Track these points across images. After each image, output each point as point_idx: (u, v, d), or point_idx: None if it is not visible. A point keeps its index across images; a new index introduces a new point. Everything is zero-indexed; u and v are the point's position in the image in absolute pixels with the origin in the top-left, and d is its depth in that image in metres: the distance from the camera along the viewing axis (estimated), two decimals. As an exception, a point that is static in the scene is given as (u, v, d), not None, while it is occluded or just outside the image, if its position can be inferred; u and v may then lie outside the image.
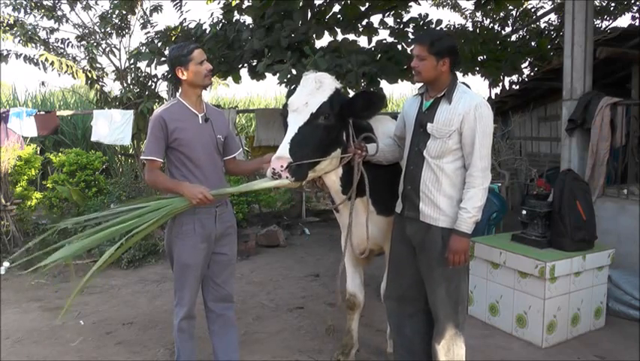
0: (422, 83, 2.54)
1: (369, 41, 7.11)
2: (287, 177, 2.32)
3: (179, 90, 2.74)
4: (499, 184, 5.46)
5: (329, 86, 2.53)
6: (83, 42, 7.68)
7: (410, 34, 6.97)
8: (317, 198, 3.05)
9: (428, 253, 2.48)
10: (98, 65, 7.70)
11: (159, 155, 2.62)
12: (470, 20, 10.70)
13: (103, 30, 7.66)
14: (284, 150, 2.36)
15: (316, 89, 2.50)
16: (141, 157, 2.75)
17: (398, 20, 7.22)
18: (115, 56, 7.80)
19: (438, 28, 7.01)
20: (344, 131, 2.61)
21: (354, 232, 2.82)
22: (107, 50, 7.76)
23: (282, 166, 2.31)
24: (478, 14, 10.42)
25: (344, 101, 2.55)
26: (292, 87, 2.74)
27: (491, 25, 10.01)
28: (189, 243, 2.64)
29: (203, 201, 2.51)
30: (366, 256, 2.99)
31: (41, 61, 7.01)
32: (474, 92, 2.46)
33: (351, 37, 7.05)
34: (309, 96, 2.47)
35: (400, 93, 16.44)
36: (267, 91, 15.85)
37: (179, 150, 2.63)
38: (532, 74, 8.50)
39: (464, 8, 11.11)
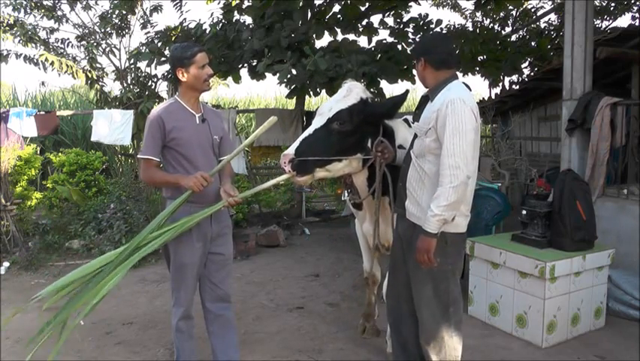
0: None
1: (369, 41, 7.12)
2: (289, 171, 2.55)
3: (178, 90, 2.75)
4: (499, 184, 5.46)
5: (355, 95, 2.72)
6: (83, 42, 7.68)
7: (410, 34, 6.99)
8: (350, 198, 3.22)
9: (414, 252, 2.45)
10: (98, 65, 7.70)
11: (155, 154, 2.63)
12: (470, 20, 10.71)
13: (103, 30, 7.66)
14: (292, 147, 2.59)
15: (343, 96, 2.71)
16: (138, 156, 2.76)
17: (398, 20, 7.24)
18: (115, 56, 7.80)
19: (438, 28, 7.03)
20: (368, 138, 2.74)
21: (372, 228, 3.03)
22: (107, 50, 7.75)
23: (284, 162, 2.55)
24: (478, 14, 10.42)
25: (368, 110, 2.70)
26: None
27: (491, 25, 10.02)
28: (185, 242, 2.64)
29: (199, 181, 2.48)
30: (377, 250, 3.17)
31: (41, 61, 7.01)
32: (461, 89, 2.37)
33: (351, 37, 7.07)
34: (335, 103, 2.70)
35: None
36: (267, 91, 15.87)
37: (176, 149, 2.63)
38: (532, 74, 8.50)
39: (464, 8, 11.13)
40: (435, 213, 2.25)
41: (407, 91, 2.83)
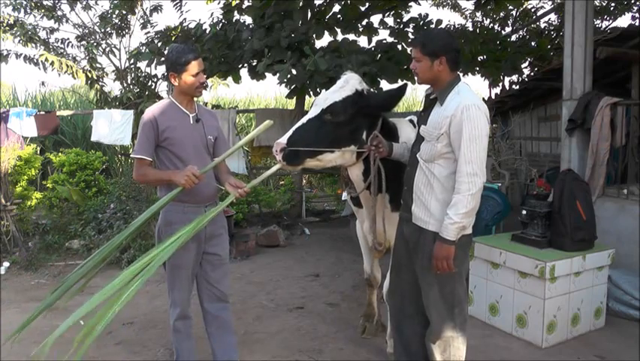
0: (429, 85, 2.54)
1: (369, 41, 7.12)
2: (280, 160, 2.59)
3: (172, 90, 2.75)
4: (499, 184, 5.46)
5: (350, 86, 2.71)
6: (83, 42, 7.68)
7: (410, 34, 6.98)
8: (347, 192, 3.26)
9: (421, 256, 2.47)
10: (98, 65, 7.71)
11: (148, 154, 2.63)
12: (470, 20, 10.71)
13: (103, 30, 7.66)
14: (284, 137, 2.61)
15: (339, 87, 2.71)
16: (131, 155, 2.78)
17: (398, 20, 7.23)
18: (115, 56, 7.80)
19: (438, 28, 7.02)
20: (363, 130, 2.73)
21: (372, 226, 3.00)
22: (107, 50, 7.76)
23: (276, 150, 2.59)
24: (478, 14, 10.42)
25: (362, 101, 2.69)
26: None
27: (491, 25, 10.01)
28: None
29: (191, 179, 2.48)
30: (378, 250, 3.14)
31: (41, 61, 7.01)
32: (471, 92, 2.37)
33: (351, 37, 7.06)
34: (331, 94, 2.70)
35: (400, 93, 16.37)
36: (267, 91, 15.83)
37: (170, 149, 2.64)
38: (532, 74, 8.50)
39: (464, 8, 11.12)
40: (454, 221, 2.26)
41: (405, 84, 2.81)
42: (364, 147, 2.71)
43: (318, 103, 2.70)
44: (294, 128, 2.65)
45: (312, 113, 2.68)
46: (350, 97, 2.67)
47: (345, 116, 2.64)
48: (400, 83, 6.80)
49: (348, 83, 2.72)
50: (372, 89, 2.97)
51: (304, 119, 2.68)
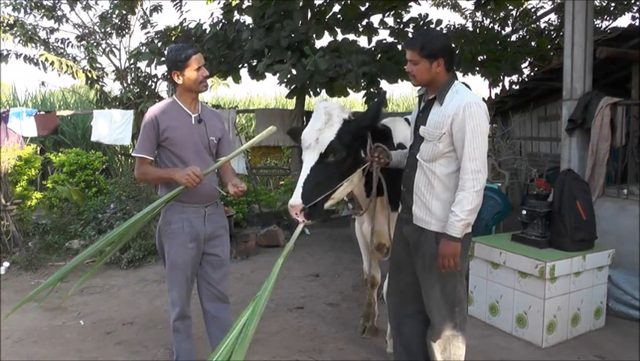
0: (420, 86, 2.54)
1: (369, 41, 7.13)
2: (302, 221, 2.47)
3: (176, 90, 2.76)
4: (499, 184, 5.46)
5: (337, 119, 2.59)
6: (83, 42, 7.69)
7: (410, 34, 6.99)
8: (352, 213, 3.23)
9: (422, 256, 2.47)
10: (98, 65, 7.71)
11: (149, 153, 2.64)
12: (470, 20, 10.71)
13: (103, 30, 7.66)
14: (296, 196, 2.47)
15: (325, 123, 2.57)
16: (132, 154, 2.78)
17: (398, 20, 7.25)
18: (115, 56, 7.80)
19: (437, 28, 7.02)
20: (361, 150, 2.70)
21: (372, 230, 2.99)
22: (107, 50, 7.76)
23: (296, 213, 2.46)
24: (478, 14, 10.42)
25: (354, 127, 2.62)
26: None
27: (491, 25, 10.02)
28: (177, 242, 2.64)
29: (192, 179, 2.46)
30: (380, 251, 3.13)
31: (41, 61, 7.01)
32: (469, 91, 2.39)
33: (351, 37, 7.07)
34: (319, 132, 2.56)
35: (400, 93, 16.46)
36: (267, 91, 15.90)
37: (170, 148, 2.64)
38: (532, 74, 8.50)
39: (464, 8, 11.13)
40: (460, 218, 2.27)
41: (385, 92, 2.81)
42: (366, 159, 2.68)
43: (309, 145, 2.56)
44: (301, 183, 2.51)
45: (311, 159, 2.54)
46: (342, 129, 2.57)
47: (345, 150, 2.57)
48: (400, 83, 6.82)
49: (333, 116, 2.59)
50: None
51: (307, 169, 2.53)
